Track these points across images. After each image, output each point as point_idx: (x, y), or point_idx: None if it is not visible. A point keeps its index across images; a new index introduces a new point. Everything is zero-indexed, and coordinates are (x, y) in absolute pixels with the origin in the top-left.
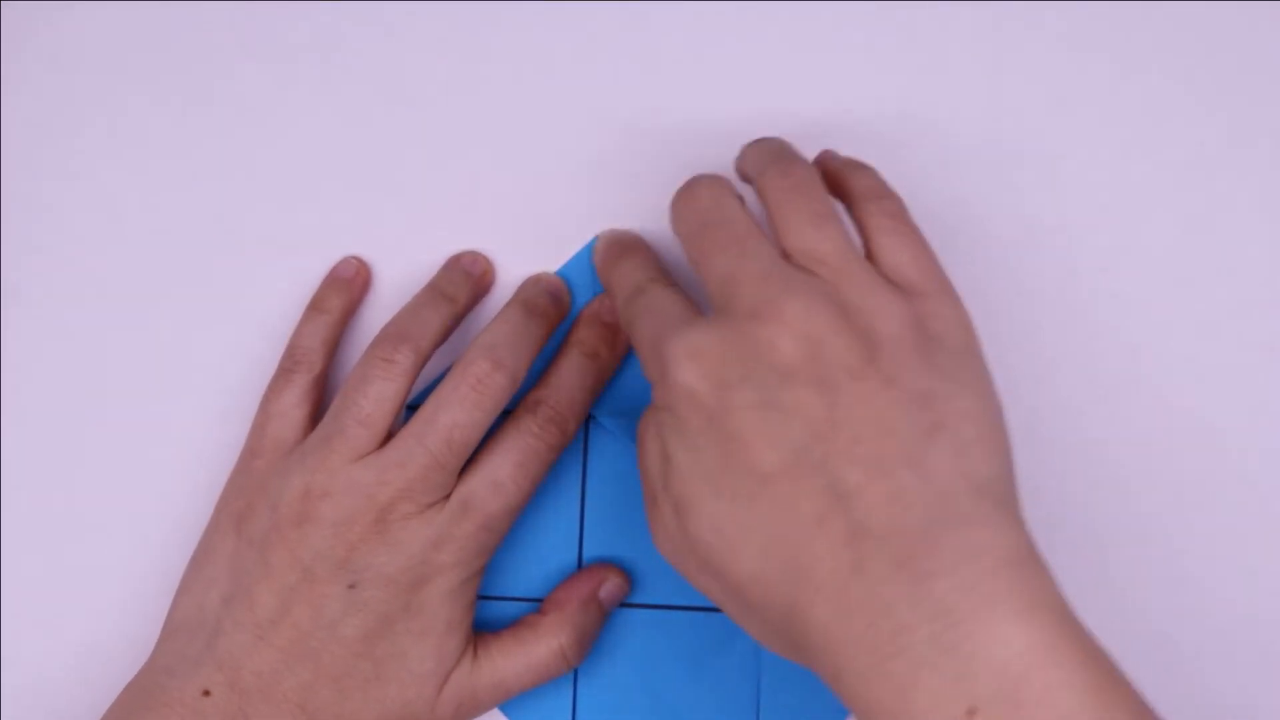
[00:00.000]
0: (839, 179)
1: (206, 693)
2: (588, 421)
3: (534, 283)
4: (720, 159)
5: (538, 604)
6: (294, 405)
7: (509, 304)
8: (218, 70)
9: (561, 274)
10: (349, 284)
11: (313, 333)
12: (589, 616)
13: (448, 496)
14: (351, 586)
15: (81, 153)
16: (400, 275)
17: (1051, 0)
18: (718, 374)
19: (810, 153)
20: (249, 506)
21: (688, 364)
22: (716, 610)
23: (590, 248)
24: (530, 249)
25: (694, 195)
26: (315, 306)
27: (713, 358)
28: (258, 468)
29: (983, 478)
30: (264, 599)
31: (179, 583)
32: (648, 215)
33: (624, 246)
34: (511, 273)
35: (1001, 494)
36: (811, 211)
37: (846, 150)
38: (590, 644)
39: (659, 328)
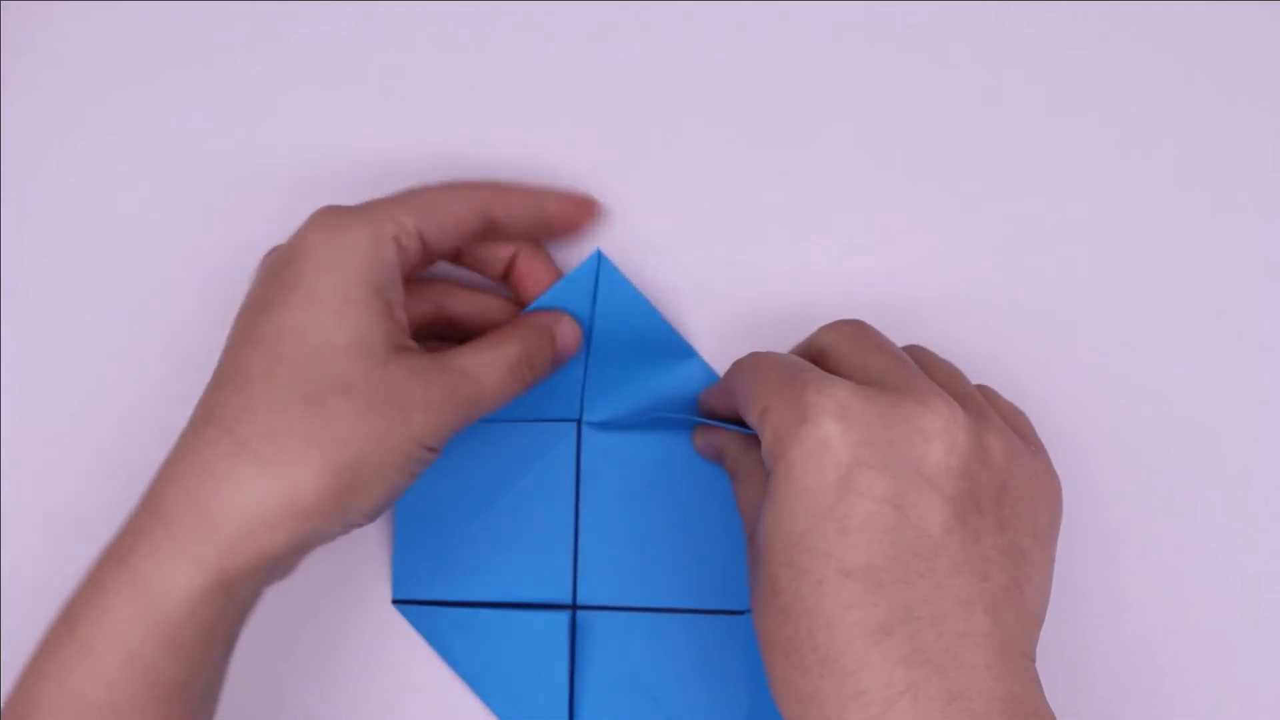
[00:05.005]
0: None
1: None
2: (580, 426)
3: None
4: (720, 159)
5: (534, 609)
6: None
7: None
8: (218, 70)
9: (550, 291)
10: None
11: None
12: (542, 340)
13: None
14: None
15: (81, 153)
16: None
17: (1051, 0)
18: (857, 446)
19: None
20: None
21: (829, 421)
22: (711, 613)
23: (587, 266)
24: None
25: (843, 324)
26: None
27: (860, 425)
28: None
29: (1029, 647)
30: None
31: None
32: (647, 215)
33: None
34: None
35: (1032, 658)
36: (955, 370)
37: (846, 148)
38: (541, 368)
39: (795, 371)
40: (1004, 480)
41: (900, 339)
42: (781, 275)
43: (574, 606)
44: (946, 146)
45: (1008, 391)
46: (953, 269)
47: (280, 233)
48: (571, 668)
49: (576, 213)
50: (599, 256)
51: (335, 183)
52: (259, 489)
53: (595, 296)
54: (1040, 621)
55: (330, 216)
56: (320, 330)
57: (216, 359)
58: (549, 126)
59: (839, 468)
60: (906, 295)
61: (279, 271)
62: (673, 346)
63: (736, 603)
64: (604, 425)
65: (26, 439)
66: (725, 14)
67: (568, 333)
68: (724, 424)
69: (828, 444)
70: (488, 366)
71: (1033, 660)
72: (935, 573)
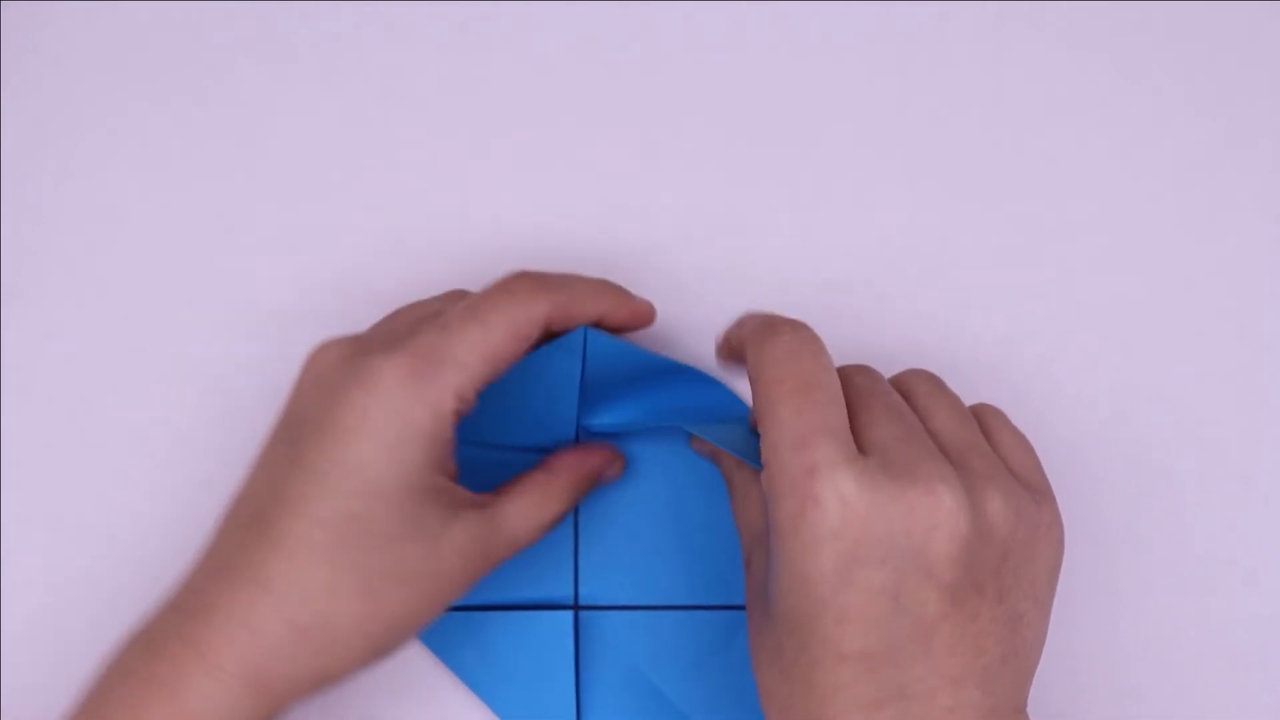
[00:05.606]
0: (905, 388)
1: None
2: (578, 429)
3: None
4: (720, 159)
5: (532, 610)
6: None
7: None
8: (218, 70)
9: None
10: None
11: None
12: (588, 485)
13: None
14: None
15: (81, 153)
16: (400, 275)
17: (1051, 0)
18: (856, 544)
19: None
20: None
21: (831, 518)
22: (716, 609)
23: (578, 335)
24: (529, 249)
25: (852, 373)
26: None
27: (860, 520)
28: None
29: (1020, 701)
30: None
31: None
32: (647, 215)
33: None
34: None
35: (1023, 708)
36: (957, 409)
37: (846, 148)
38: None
39: (810, 430)
40: (1005, 551)
41: (899, 338)
42: (781, 275)
43: (576, 607)
44: (946, 146)
45: (1007, 391)
46: (952, 269)
47: (279, 232)
48: (577, 669)
49: (632, 321)
50: (585, 331)
51: (335, 183)
52: (304, 663)
53: (585, 349)
54: (1033, 671)
55: (389, 394)
56: (379, 519)
57: (215, 357)
58: (549, 127)
59: (836, 559)
60: (906, 295)
61: (334, 435)
62: (670, 364)
63: (740, 598)
64: (602, 428)
65: (26, 439)
66: (725, 14)
67: (615, 472)
68: (721, 431)
69: (826, 539)
70: (529, 525)
71: (1023, 709)
72: (930, 655)
